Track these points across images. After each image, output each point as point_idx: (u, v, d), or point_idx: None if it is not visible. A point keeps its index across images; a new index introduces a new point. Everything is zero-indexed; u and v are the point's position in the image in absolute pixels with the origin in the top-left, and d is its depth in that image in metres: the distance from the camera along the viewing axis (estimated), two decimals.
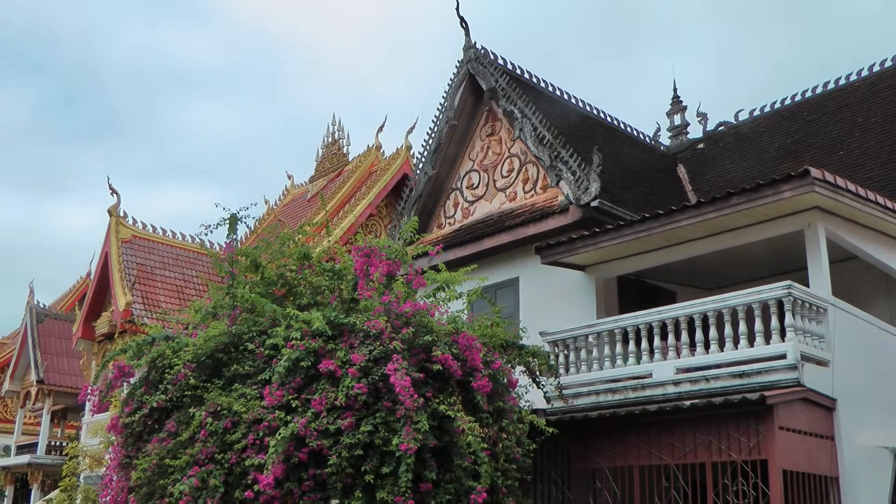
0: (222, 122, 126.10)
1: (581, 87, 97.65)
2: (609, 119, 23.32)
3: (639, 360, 13.90)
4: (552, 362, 14.02)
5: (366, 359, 10.34)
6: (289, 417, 10.11)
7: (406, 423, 9.86)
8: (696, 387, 12.84)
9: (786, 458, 11.21)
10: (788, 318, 12.22)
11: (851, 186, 12.99)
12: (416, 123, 36.70)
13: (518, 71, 21.19)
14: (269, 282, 12.65)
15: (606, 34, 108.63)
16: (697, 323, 13.21)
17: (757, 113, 23.17)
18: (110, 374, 12.25)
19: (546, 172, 18.21)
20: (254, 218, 13.28)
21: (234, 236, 13.00)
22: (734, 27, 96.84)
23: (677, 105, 25.11)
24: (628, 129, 23.79)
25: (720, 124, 23.86)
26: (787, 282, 12.33)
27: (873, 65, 21.10)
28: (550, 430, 12.01)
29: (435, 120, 21.05)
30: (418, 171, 21.46)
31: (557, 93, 22.13)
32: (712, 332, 13.00)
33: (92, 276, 34.09)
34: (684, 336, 13.36)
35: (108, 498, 11.87)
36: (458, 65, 20.85)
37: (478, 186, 20.19)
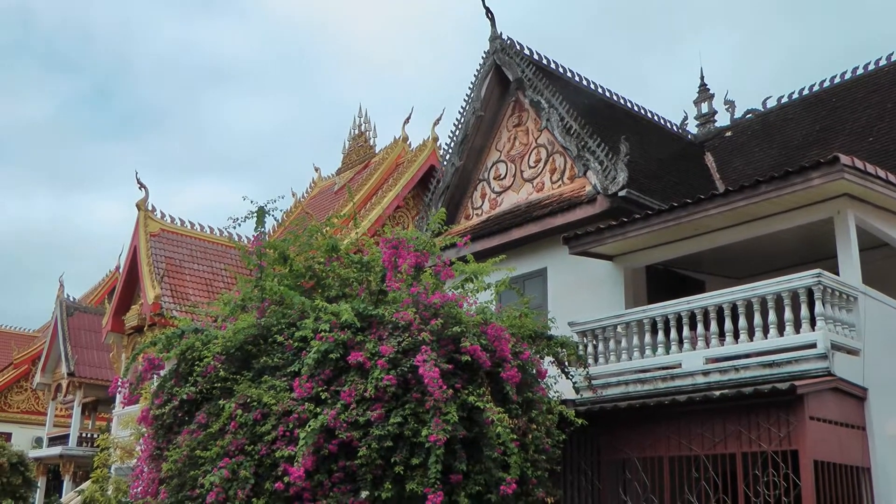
0: (251, 117, 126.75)
1: (607, 76, 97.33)
2: (636, 108, 23.20)
3: (668, 349, 13.85)
4: (581, 353, 14.03)
5: (395, 350, 10.34)
6: (318, 409, 10.12)
7: (435, 415, 9.86)
8: (725, 377, 12.78)
9: (817, 448, 11.13)
10: (818, 307, 12.13)
11: (881, 173, 12.87)
12: (442, 115, 36.71)
13: (544, 61, 21.11)
14: (298, 274, 12.67)
15: (632, 22, 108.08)
16: (726, 312, 13.14)
17: (785, 100, 22.97)
18: (140, 366, 12.30)
19: (573, 162, 18.15)
20: (281, 211, 13.27)
21: (262, 229, 13.02)
22: (762, 13, 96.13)
23: (704, 93, 24.93)
24: (655, 117, 23.66)
25: (748, 112, 23.68)
26: (817, 270, 12.24)
27: None
28: (580, 420, 11.98)
29: (461, 111, 21.03)
30: (445, 163, 21.44)
31: (584, 82, 22.03)
32: (741, 322, 12.93)
33: (121, 270, 34.34)
34: (713, 326, 13.30)
35: (139, 489, 11.95)
36: (484, 56, 20.80)
37: (505, 177, 20.15)
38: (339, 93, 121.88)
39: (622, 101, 22.88)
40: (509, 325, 12.03)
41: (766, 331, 12.69)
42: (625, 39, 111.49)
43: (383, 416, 10.01)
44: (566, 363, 13.64)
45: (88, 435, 39.61)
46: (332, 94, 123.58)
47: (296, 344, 10.96)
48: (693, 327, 13.56)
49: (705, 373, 13.08)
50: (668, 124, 23.98)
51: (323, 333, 10.58)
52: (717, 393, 11.97)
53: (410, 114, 42.54)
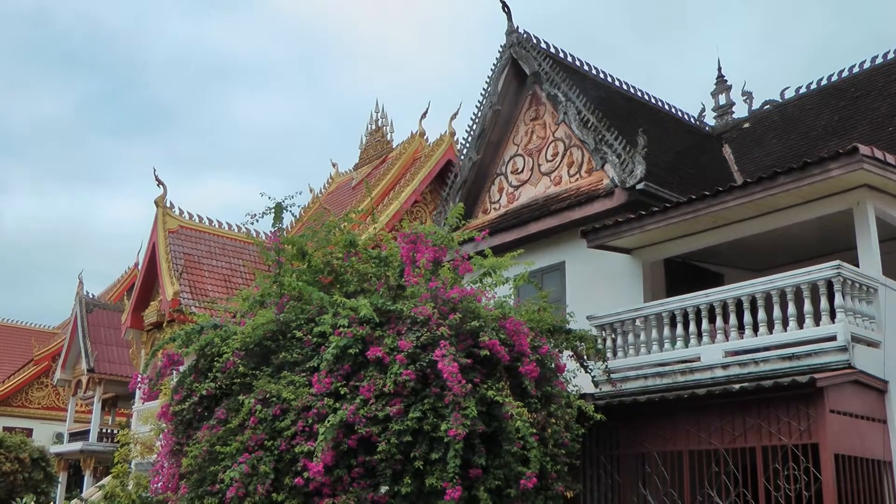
0: (268, 113, 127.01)
1: (623, 68, 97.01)
2: (653, 101, 23.13)
3: (687, 343, 13.81)
4: (600, 346, 14.01)
5: (413, 345, 10.35)
6: (337, 404, 10.15)
7: (454, 409, 9.87)
8: (744, 370, 12.74)
9: (837, 441, 11.09)
10: (838, 299, 12.07)
11: None
12: (459, 109, 36.64)
13: (561, 54, 21.05)
14: (316, 269, 12.70)
15: (649, 14, 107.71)
16: (745, 305, 13.09)
17: (803, 90, 22.80)
18: (159, 362, 12.35)
19: (591, 156, 18.11)
20: (299, 206, 13.32)
21: (280, 225, 13.05)
22: (778, 3, 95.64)
23: (722, 84, 24.81)
24: (673, 110, 23.58)
25: (766, 103, 23.54)
26: (837, 262, 12.17)
27: None
28: (599, 415, 11.97)
29: (478, 105, 21.00)
30: (462, 157, 21.43)
31: (601, 75, 21.97)
32: (761, 315, 12.88)
33: (140, 267, 34.45)
34: (732, 319, 13.25)
35: (159, 484, 12.02)
36: (500, 49, 20.78)
37: (522, 171, 20.12)
38: (356, 88, 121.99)
39: (639, 94, 22.81)
40: (528, 320, 12.03)
41: (785, 323, 12.64)
42: (641, 31, 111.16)
43: (402, 410, 10.03)
44: (585, 357, 13.64)
45: (108, 431, 39.77)
46: (348, 89, 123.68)
47: (315, 339, 10.99)
48: (712, 320, 13.52)
49: (724, 366, 13.04)
50: (686, 116, 23.89)
51: (342, 329, 10.61)
52: (737, 386, 11.94)
53: (427, 108, 42.35)
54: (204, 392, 11.29)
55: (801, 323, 12.49)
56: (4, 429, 44.35)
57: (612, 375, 14.12)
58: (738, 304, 13.22)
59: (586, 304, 15.41)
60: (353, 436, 9.99)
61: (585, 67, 21.63)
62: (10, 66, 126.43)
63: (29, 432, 46.51)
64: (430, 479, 9.84)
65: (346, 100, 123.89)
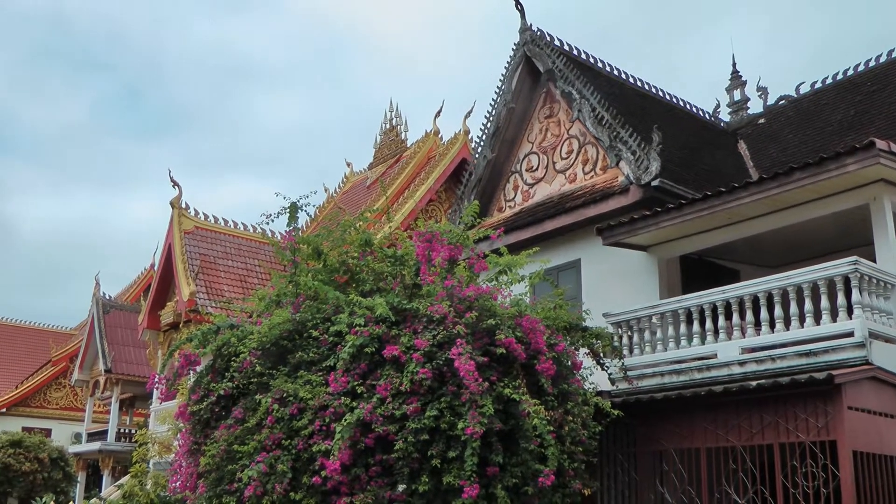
0: (282, 113, 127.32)
1: (637, 64, 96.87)
2: (668, 97, 23.08)
3: (703, 340, 13.79)
4: (616, 344, 14.00)
5: (430, 344, 10.34)
6: (354, 403, 10.16)
7: (471, 407, 9.86)
8: (761, 367, 12.71)
9: (855, 438, 11.03)
10: (855, 295, 12.03)
11: None
12: (473, 107, 36.68)
13: (574, 52, 21.02)
14: (332, 269, 12.72)
15: (663, 10, 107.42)
16: (762, 301, 13.06)
17: (818, 85, 22.69)
18: (177, 362, 12.41)
19: (605, 153, 18.09)
20: (314, 206, 13.39)
21: (295, 225, 13.07)
22: None
23: (737, 80, 24.71)
24: (687, 106, 23.52)
25: (781, 98, 23.45)
26: (854, 257, 12.13)
27: None
28: (616, 412, 11.96)
29: (492, 103, 21.01)
30: (477, 156, 21.44)
31: (615, 72, 21.93)
32: (777, 311, 12.85)
33: (156, 268, 34.56)
34: (749, 315, 13.22)
35: (178, 483, 12.08)
36: (514, 47, 20.78)
37: (537, 169, 20.12)
38: (370, 88, 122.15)
39: (654, 91, 22.76)
40: (544, 317, 12.04)
41: (802, 320, 12.60)
42: (654, 27, 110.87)
43: (419, 409, 10.02)
44: (601, 354, 13.63)
45: (126, 430, 39.96)
46: (362, 89, 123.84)
47: (331, 338, 11.01)
48: (728, 317, 13.49)
49: (741, 363, 13.01)
50: (701, 112, 23.83)
51: (358, 328, 10.61)
52: (754, 383, 11.90)
53: (441, 107, 42.48)
54: (221, 392, 11.32)
55: (817, 319, 12.45)
56: (24, 429, 44.64)
57: (629, 373, 14.11)
58: (755, 300, 13.18)
59: (602, 301, 15.41)
60: (371, 434, 10.00)
61: (599, 64, 21.59)
62: (30, 69, 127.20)
63: (48, 432, 46.81)
64: (448, 478, 9.84)
65: (361, 99, 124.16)
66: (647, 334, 14.64)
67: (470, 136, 32.11)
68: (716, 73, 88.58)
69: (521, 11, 20.65)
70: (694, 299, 13.98)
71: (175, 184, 31.96)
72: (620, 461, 13.55)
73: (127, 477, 28.01)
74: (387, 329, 10.72)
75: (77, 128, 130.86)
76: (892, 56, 21.26)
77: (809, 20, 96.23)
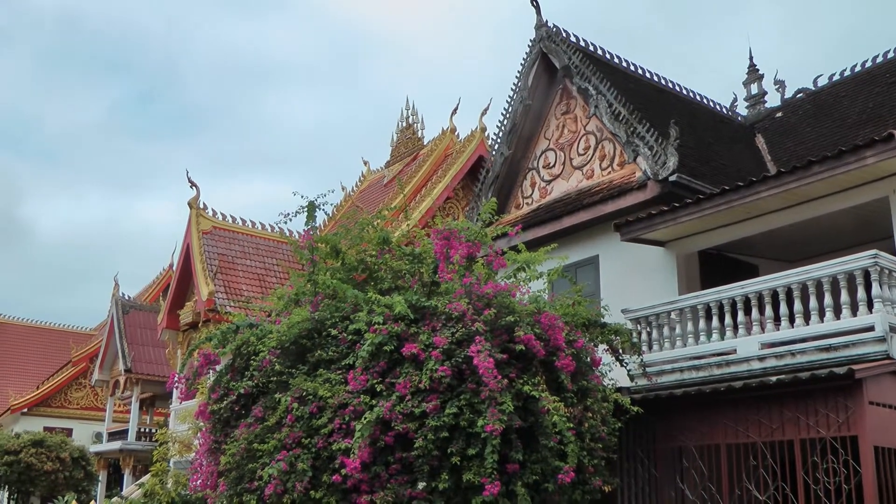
0: (298, 113, 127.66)
1: (654, 59, 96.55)
2: (684, 91, 23.00)
3: (722, 335, 13.74)
4: (635, 340, 13.96)
5: (448, 341, 10.35)
6: (374, 401, 10.17)
7: (490, 405, 9.86)
8: (781, 362, 12.66)
9: (877, 434, 10.98)
10: (875, 289, 11.97)
11: None
12: (489, 105, 36.70)
13: (590, 47, 20.98)
14: (350, 267, 12.74)
15: (678, 5, 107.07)
16: (781, 296, 13.01)
17: (836, 77, 22.53)
18: (196, 362, 12.44)
19: (623, 149, 18.06)
20: (332, 205, 13.33)
21: (313, 224, 13.09)
22: None
23: (754, 74, 24.59)
24: (704, 100, 23.44)
25: (798, 91, 23.31)
26: (873, 251, 12.07)
27: None
28: (635, 408, 11.93)
29: (509, 100, 21.00)
30: (494, 153, 21.42)
31: (631, 67, 21.88)
32: (797, 306, 12.80)
33: (174, 268, 34.70)
34: (768, 310, 13.18)
35: (198, 482, 12.14)
36: (530, 44, 20.75)
37: (554, 165, 20.10)
38: (386, 86, 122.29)
39: (670, 85, 22.69)
40: (563, 314, 12.01)
41: (822, 314, 12.55)
42: (671, 22, 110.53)
43: (439, 407, 10.03)
44: (620, 351, 13.59)
45: (147, 430, 40.17)
46: (378, 87, 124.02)
47: (350, 337, 11.02)
48: (747, 312, 13.45)
49: (761, 358, 12.97)
50: (718, 107, 23.74)
51: (377, 326, 10.62)
52: (774, 378, 11.85)
53: (458, 105, 42.44)
54: (241, 390, 11.35)
55: (837, 313, 12.39)
56: (45, 429, 44.98)
57: (648, 369, 14.07)
58: (774, 295, 13.13)
59: (621, 297, 15.37)
60: (390, 432, 10.01)
61: (615, 60, 21.54)
62: (46, 71, 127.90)
63: (69, 432, 47.11)
64: (468, 475, 9.85)
65: (377, 98, 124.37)
66: (665, 330, 14.61)
67: (486, 134, 32.08)
68: (732, 67, 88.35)
69: (537, 8, 20.63)
70: (713, 294, 13.94)
71: (192, 184, 32.05)
72: (640, 458, 13.53)
73: (148, 476, 28.13)
74: (405, 327, 10.72)
75: (93, 129, 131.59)
76: None
77: (827, 12, 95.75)
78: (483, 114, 33.31)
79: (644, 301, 15.04)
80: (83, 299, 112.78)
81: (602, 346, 13.23)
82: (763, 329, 13.23)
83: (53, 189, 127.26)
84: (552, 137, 20.33)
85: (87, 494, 39.58)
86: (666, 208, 15.07)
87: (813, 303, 12.62)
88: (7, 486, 38.77)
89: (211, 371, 12.48)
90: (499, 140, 21.17)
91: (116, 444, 39.60)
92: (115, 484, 41.81)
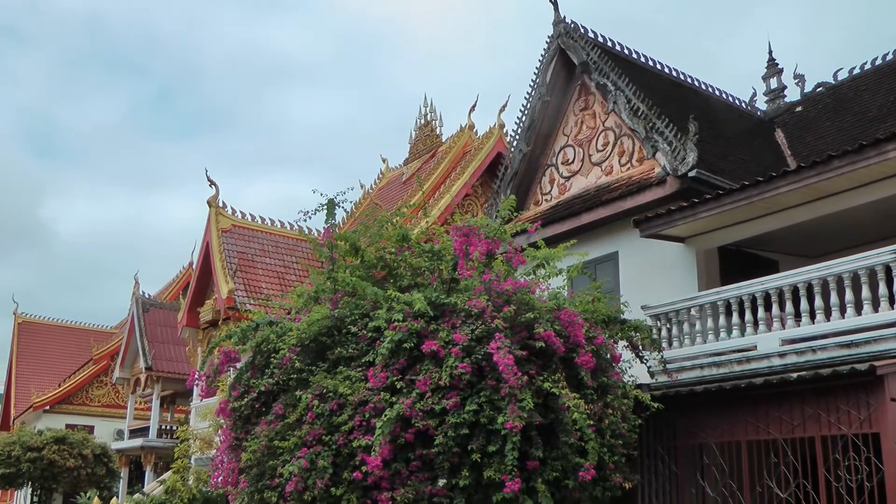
0: (316, 111, 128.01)
1: (673, 54, 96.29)
2: (703, 86, 22.89)
3: (742, 332, 13.70)
4: (655, 336, 13.92)
5: (468, 338, 10.37)
6: (394, 398, 10.20)
7: (511, 402, 9.88)
8: (802, 358, 12.60)
9: None
10: None
11: None
12: (507, 101, 36.60)
13: (609, 43, 20.91)
14: (369, 265, 12.77)
15: (697, 0, 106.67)
16: (802, 292, 12.95)
17: (857, 71, 22.33)
18: (216, 359, 12.48)
19: (642, 144, 18.00)
20: (351, 202, 13.40)
21: (333, 221, 13.13)
22: None
23: (773, 68, 24.43)
24: (723, 95, 23.32)
25: (818, 85, 23.14)
26: (894, 246, 11.99)
27: None
28: (656, 405, 11.92)
29: (527, 97, 20.96)
30: (512, 149, 21.39)
31: (650, 63, 21.80)
32: (817, 302, 12.74)
33: (194, 266, 34.82)
34: (788, 306, 13.12)
35: (219, 478, 12.22)
36: (548, 40, 20.70)
37: (573, 162, 20.06)
38: (404, 84, 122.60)
39: (689, 80, 22.59)
40: (582, 310, 12.01)
41: (843, 310, 12.49)
42: (690, 16, 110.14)
43: (459, 403, 10.06)
44: (640, 347, 13.56)
45: (168, 427, 40.40)
46: (396, 85, 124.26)
47: (370, 334, 11.05)
48: (768, 308, 13.39)
49: (781, 355, 12.91)
50: (737, 102, 23.61)
51: (396, 323, 10.65)
52: (794, 375, 11.80)
53: (476, 102, 42.43)
54: (261, 388, 11.41)
55: (858, 309, 12.33)
56: (67, 426, 45.34)
57: (668, 365, 14.03)
58: (795, 291, 13.08)
59: (640, 293, 15.33)
60: (410, 429, 10.04)
61: (634, 56, 21.46)
62: (66, 72, 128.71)
63: (91, 429, 47.42)
64: (488, 472, 9.87)
65: (395, 95, 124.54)
66: (685, 326, 14.57)
67: (505, 130, 32.08)
68: (752, 62, 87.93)
69: (555, 4, 20.57)
70: (733, 291, 13.89)
71: (212, 183, 32.17)
72: (661, 455, 13.50)
73: (169, 472, 28.29)
74: (425, 324, 10.75)
75: (113, 129, 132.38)
76: None
77: (847, 5, 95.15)
78: (501, 111, 33.32)
79: (664, 297, 15.00)
80: (104, 298, 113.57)
81: (622, 343, 13.22)
82: (783, 325, 13.17)
83: (75, 189, 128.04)
84: (571, 134, 20.29)
85: (109, 491, 39.81)
86: (685, 204, 15.02)
87: (834, 299, 12.55)
88: (30, 483, 39.08)
89: (231, 368, 12.53)
90: (517, 137, 21.14)
91: (138, 442, 39.86)
92: (136, 481, 42.09)
